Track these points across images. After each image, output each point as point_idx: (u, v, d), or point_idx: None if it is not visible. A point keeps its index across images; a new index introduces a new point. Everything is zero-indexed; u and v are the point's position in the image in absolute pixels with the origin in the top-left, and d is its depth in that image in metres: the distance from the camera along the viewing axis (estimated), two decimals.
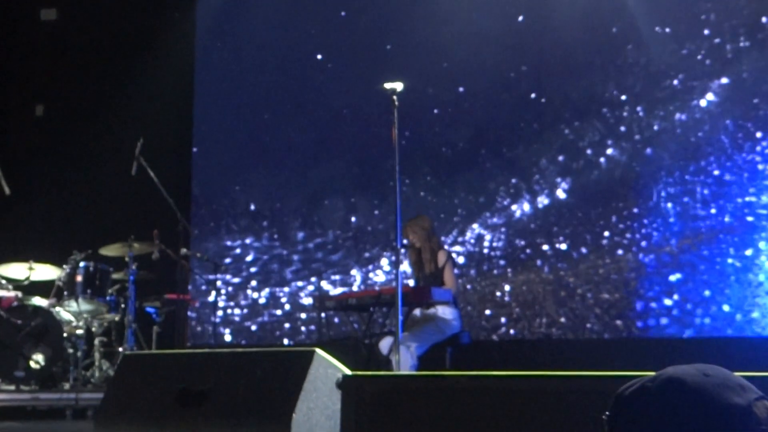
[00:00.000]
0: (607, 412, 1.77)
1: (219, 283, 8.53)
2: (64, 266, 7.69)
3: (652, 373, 1.80)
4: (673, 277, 7.49)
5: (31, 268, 7.72)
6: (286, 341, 9.07)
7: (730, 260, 7.30)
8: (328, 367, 3.77)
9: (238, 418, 3.72)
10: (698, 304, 7.35)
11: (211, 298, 8.80)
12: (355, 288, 8.73)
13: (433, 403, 3.41)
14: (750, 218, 7.29)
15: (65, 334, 7.43)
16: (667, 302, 7.46)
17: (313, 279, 8.97)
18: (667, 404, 1.67)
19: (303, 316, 9.06)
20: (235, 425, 3.70)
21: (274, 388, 3.76)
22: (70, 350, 7.44)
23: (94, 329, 7.69)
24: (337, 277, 8.93)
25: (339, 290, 8.75)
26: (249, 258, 9.43)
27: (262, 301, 9.29)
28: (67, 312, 7.60)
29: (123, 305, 7.75)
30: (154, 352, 7.27)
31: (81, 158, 9.58)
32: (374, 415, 3.48)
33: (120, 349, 7.64)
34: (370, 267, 8.81)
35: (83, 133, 9.62)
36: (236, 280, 9.43)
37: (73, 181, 9.53)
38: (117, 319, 7.81)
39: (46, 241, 8.68)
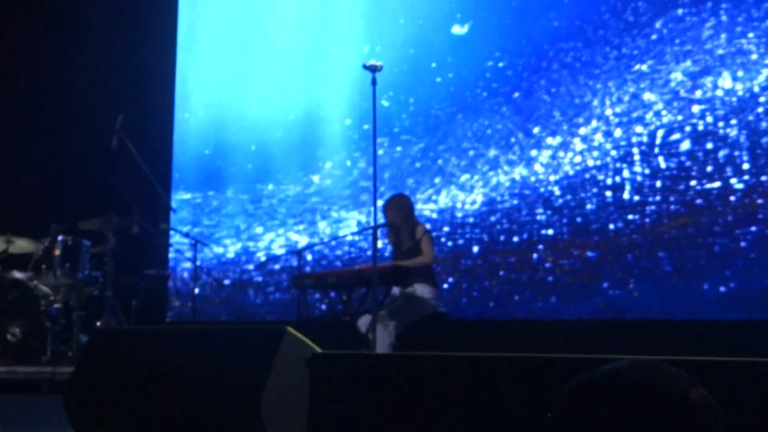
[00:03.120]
0: (548, 413, 1.80)
1: (199, 262, 8.48)
2: (43, 239, 7.64)
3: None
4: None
5: (8, 241, 7.67)
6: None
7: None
8: (299, 346, 3.74)
9: (208, 395, 3.69)
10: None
11: (185, 275, 8.76)
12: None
13: (401, 382, 3.39)
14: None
15: (43, 308, 7.39)
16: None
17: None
18: (606, 399, 1.69)
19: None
20: (204, 402, 3.67)
21: (245, 365, 3.73)
22: (48, 324, 7.40)
23: (72, 303, 7.64)
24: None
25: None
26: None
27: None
28: (45, 286, 7.55)
29: (102, 279, 7.71)
30: (125, 327, 7.24)
31: (61, 131, 9.50)
32: (342, 394, 3.46)
33: (98, 323, 7.60)
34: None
35: (64, 105, 9.54)
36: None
37: (52, 153, 9.46)
38: (95, 293, 7.77)
39: (25, 214, 8.62)
